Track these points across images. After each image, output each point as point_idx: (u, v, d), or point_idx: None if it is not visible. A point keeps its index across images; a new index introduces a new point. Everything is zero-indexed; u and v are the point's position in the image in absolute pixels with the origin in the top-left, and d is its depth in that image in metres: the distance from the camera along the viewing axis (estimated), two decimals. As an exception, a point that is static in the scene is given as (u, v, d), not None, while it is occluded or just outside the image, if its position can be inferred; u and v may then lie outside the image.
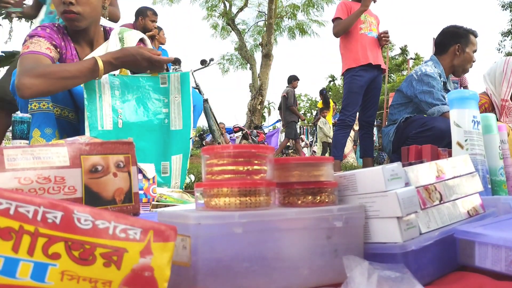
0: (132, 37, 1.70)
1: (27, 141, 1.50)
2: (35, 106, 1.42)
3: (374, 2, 3.02)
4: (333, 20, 3.11)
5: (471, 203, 0.76)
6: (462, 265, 0.66)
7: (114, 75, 1.52)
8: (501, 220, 0.70)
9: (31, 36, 1.46)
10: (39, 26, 1.52)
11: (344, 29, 3.05)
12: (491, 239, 0.59)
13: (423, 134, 2.21)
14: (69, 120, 1.53)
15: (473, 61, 2.50)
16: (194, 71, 5.57)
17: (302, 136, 11.22)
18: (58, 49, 1.50)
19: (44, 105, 1.43)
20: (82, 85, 1.44)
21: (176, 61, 5.98)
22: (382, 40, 3.05)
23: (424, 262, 0.61)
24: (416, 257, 0.60)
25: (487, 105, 2.54)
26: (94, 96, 1.45)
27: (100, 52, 1.59)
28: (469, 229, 0.63)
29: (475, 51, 2.49)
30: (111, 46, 1.64)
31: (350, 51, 3.05)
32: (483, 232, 0.61)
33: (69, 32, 1.58)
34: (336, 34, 3.11)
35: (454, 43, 2.48)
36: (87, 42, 1.62)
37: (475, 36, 2.50)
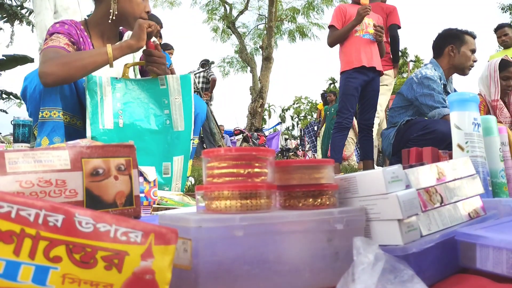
0: None
1: (28, 144, 1.50)
2: (46, 114, 1.44)
3: (368, 12, 2.96)
4: (329, 27, 3.13)
5: (472, 205, 0.76)
6: (463, 267, 0.66)
7: (116, 78, 1.54)
8: (502, 222, 0.70)
9: (51, 34, 1.52)
10: (57, 23, 1.57)
11: (336, 41, 3.08)
12: (492, 242, 0.59)
13: (425, 137, 2.21)
14: (76, 128, 1.56)
15: (474, 61, 2.50)
16: (195, 73, 5.58)
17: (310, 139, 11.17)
18: (75, 46, 1.56)
19: (55, 114, 1.45)
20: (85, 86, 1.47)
21: (205, 63, 6.09)
22: (376, 35, 3.02)
23: (425, 264, 0.61)
24: (417, 260, 0.60)
25: (485, 103, 2.61)
26: (96, 98, 1.47)
27: None
28: (470, 232, 0.63)
29: (473, 50, 2.49)
30: None
31: (344, 54, 3.06)
32: (484, 235, 0.61)
33: (88, 30, 1.65)
34: (329, 45, 3.14)
35: (448, 44, 2.49)
36: (106, 41, 1.69)
37: (473, 36, 2.51)
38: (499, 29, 4.38)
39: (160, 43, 4.35)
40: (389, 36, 3.61)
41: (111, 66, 1.45)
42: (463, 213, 0.73)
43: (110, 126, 1.48)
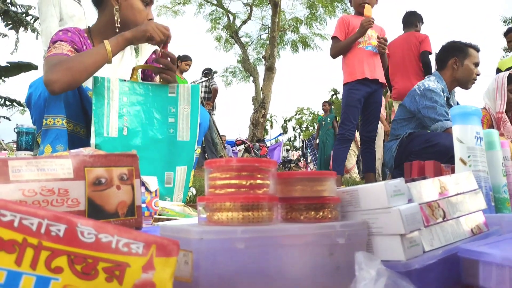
0: (147, 48, 1.77)
1: (31, 152, 1.51)
2: (50, 121, 1.44)
3: (372, 25, 2.97)
4: (332, 38, 3.14)
5: (474, 221, 0.75)
6: (466, 284, 0.66)
7: (125, 80, 1.53)
8: (505, 239, 0.70)
9: (54, 41, 1.53)
10: (61, 31, 1.58)
11: (339, 52, 3.09)
12: (496, 258, 0.58)
13: (427, 150, 2.20)
14: (80, 136, 1.56)
15: (477, 74, 2.51)
16: (197, 83, 5.61)
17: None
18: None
19: (58, 122, 1.45)
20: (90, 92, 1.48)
21: (208, 73, 6.18)
22: (379, 47, 3.02)
23: (427, 281, 0.61)
24: (420, 276, 0.59)
25: (488, 117, 2.62)
26: (103, 102, 1.46)
27: (116, 59, 1.65)
28: (473, 248, 0.62)
29: (476, 64, 2.50)
30: (126, 54, 1.72)
31: (347, 65, 3.06)
32: (488, 251, 0.60)
33: (91, 37, 1.66)
34: (332, 56, 3.14)
35: (451, 57, 2.51)
36: None
37: (476, 49, 2.53)
38: (510, 33, 4.31)
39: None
40: (422, 62, 3.72)
41: (109, 62, 1.45)
42: (466, 228, 0.72)
43: (115, 134, 1.47)
